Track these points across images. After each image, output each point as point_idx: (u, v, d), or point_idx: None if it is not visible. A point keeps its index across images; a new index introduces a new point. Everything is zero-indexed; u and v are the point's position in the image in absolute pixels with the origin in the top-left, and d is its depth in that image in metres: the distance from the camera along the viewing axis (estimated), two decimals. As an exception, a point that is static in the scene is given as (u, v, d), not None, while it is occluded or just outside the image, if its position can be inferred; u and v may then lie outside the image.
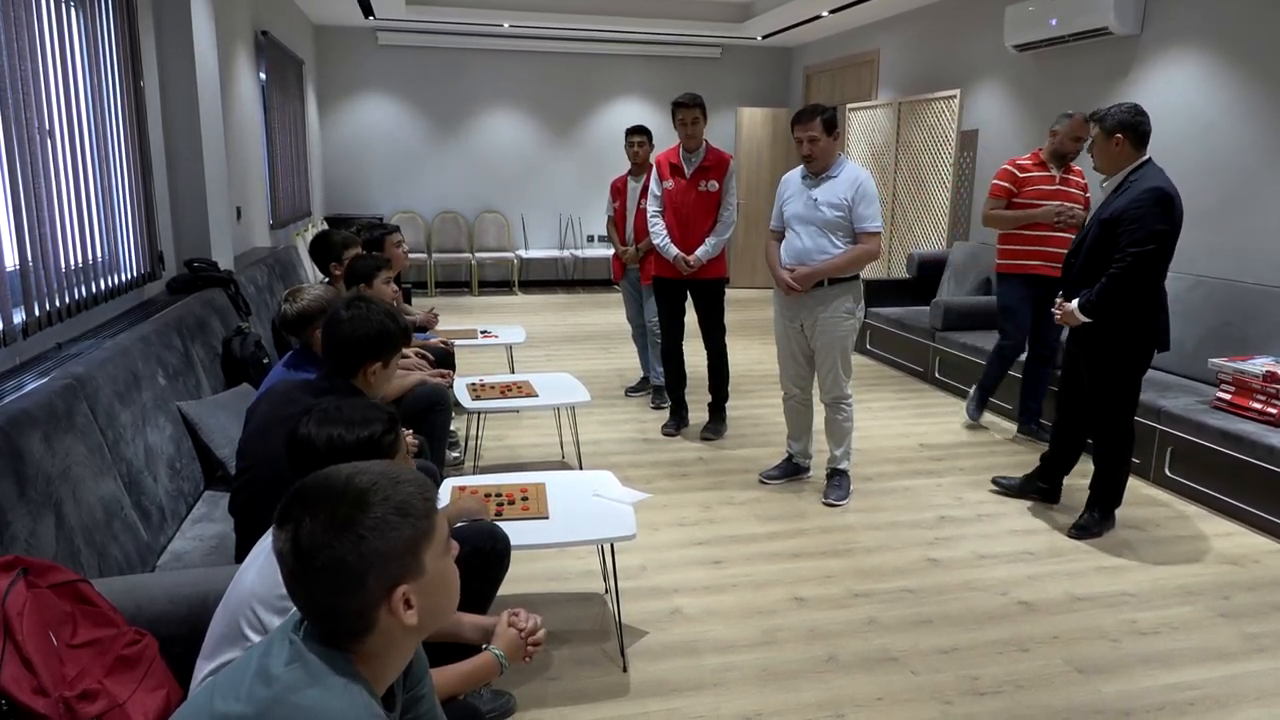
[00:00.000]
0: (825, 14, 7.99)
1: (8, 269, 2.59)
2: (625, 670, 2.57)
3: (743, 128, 9.89)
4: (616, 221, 5.46)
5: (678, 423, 4.86)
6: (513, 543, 2.26)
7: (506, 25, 8.99)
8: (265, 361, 3.66)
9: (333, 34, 9.23)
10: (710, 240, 4.47)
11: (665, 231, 4.54)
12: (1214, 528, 3.65)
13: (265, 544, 1.45)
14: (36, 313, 2.70)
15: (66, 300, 2.93)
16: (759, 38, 9.57)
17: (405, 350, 3.13)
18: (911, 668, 2.61)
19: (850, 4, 7.50)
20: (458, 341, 4.72)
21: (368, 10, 8.08)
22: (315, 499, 1.05)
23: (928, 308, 6.12)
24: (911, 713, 2.40)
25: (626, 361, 6.34)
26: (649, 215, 4.63)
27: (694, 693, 2.47)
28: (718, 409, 4.82)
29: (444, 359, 4.18)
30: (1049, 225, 4.42)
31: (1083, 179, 4.53)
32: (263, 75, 6.22)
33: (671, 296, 4.72)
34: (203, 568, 2.36)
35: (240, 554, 2.20)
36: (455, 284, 10.09)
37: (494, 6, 8.58)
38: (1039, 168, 4.51)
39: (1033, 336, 4.65)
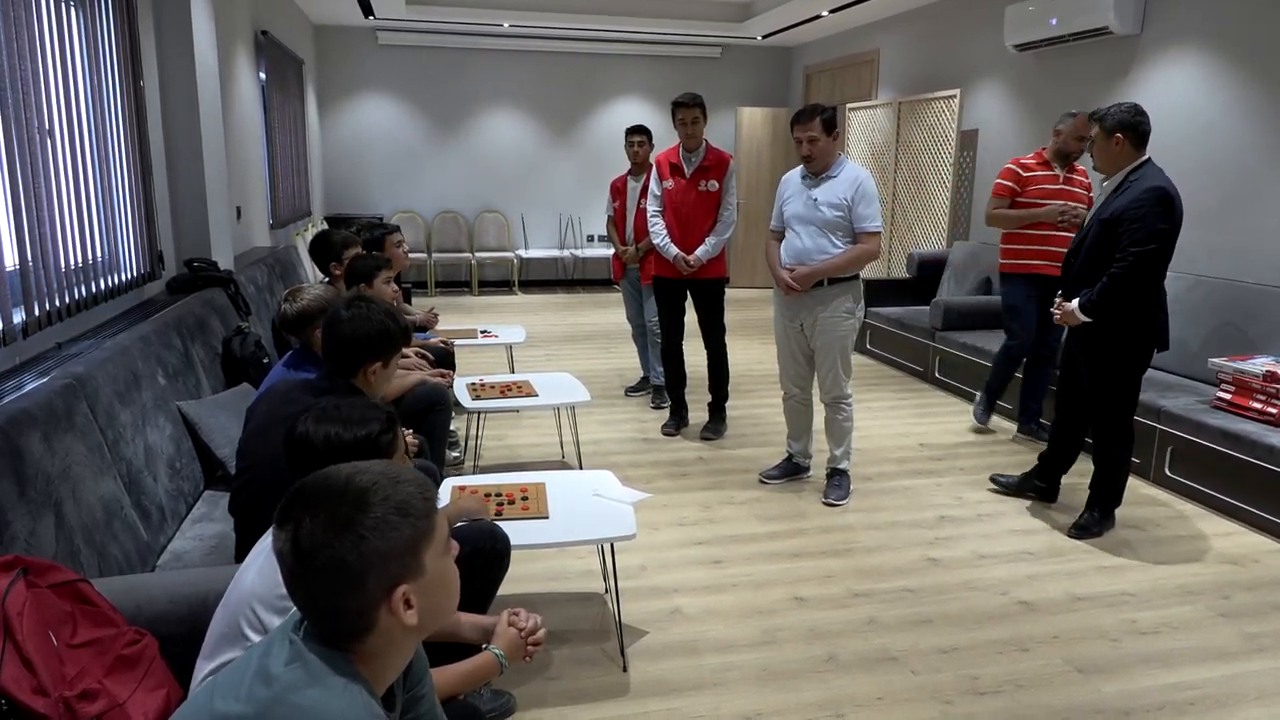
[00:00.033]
0: (825, 14, 7.99)
1: (8, 269, 2.59)
2: (625, 670, 2.57)
3: (743, 127, 9.90)
4: (616, 221, 5.46)
5: (678, 422, 4.86)
6: (513, 542, 2.26)
7: (506, 25, 8.99)
8: (265, 361, 3.66)
9: (333, 34, 9.23)
10: (710, 240, 4.47)
11: (665, 231, 4.54)
12: (1214, 527, 3.65)
13: (265, 544, 1.45)
14: (36, 312, 2.70)
15: (66, 300, 2.93)
16: (759, 37, 9.57)
17: (405, 350, 3.14)
18: (911, 667, 2.61)
19: (850, 4, 7.50)
20: (458, 341, 4.72)
21: (368, 10, 8.08)
22: (315, 499, 1.05)
23: (928, 307, 6.12)
24: (911, 712, 2.40)
25: (626, 361, 6.34)
26: (649, 215, 4.63)
27: (694, 692, 2.47)
28: (718, 409, 4.82)
29: (444, 359, 4.18)
30: (1053, 225, 4.41)
31: (1086, 178, 4.52)
32: (263, 75, 6.22)
33: (671, 296, 4.72)
34: (203, 568, 2.36)
35: (240, 554, 2.20)
36: (455, 284, 10.09)
37: (494, 6, 8.58)
38: (1043, 167, 4.51)
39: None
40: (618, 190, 5.43)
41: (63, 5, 3.03)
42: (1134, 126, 3.26)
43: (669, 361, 4.86)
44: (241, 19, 5.52)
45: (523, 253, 10.00)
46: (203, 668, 1.44)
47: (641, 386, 5.63)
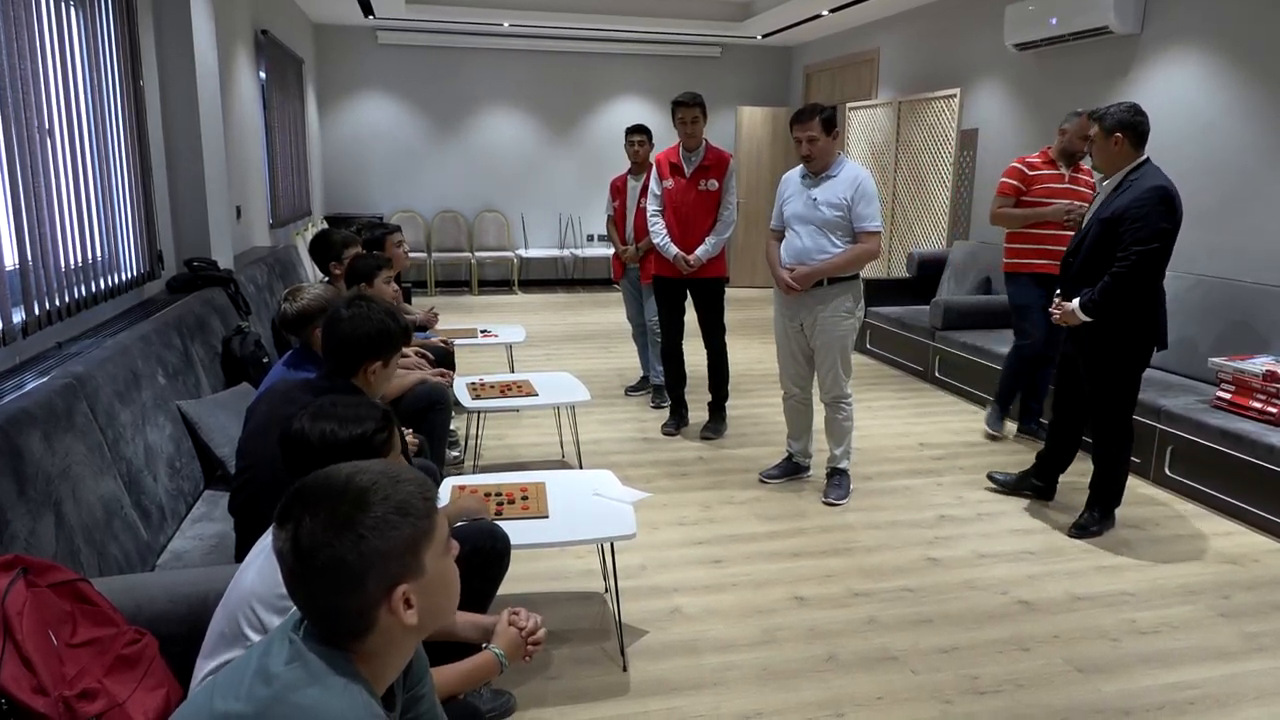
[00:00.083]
0: (825, 13, 7.99)
1: (8, 268, 2.59)
2: (625, 669, 2.58)
3: (742, 127, 9.89)
4: (616, 221, 5.46)
5: (678, 422, 4.86)
6: (513, 542, 2.26)
7: (506, 24, 8.99)
8: (265, 361, 3.65)
9: (332, 33, 9.23)
10: (710, 239, 4.47)
11: (665, 231, 4.54)
12: (1214, 527, 3.65)
13: (265, 543, 1.45)
14: (36, 312, 2.70)
15: (66, 299, 2.93)
16: (759, 37, 9.57)
17: (405, 349, 3.14)
18: (911, 667, 2.61)
19: (850, 3, 7.50)
20: (458, 341, 4.73)
21: (367, 9, 8.07)
22: (315, 498, 1.05)
23: (928, 307, 6.12)
24: (911, 712, 2.40)
25: (626, 361, 6.34)
26: (649, 214, 4.63)
27: (694, 692, 2.47)
28: (718, 408, 4.82)
29: (444, 358, 4.18)
30: (1057, 224, 4.40)
31: (1091, 177, 4.51)
32: (263, 74, 6.22)
33: (671, 296, 4.72)
34: (203, 567, 2.36)
35: (240, 553, 2.20)
36: (455, 283, 10.09)
37: (494, 6, 8.58)
38: (1048, 166, 4.51)
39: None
40: (618, 190, 5.43)
41: (63, 5, 3.03)
42: (1133, 126, 3.26)
43: (669, 361, 4.86)
44: (241, 18, 5.52)
45: (523, 252, 10.00)
46: (203, 667, 1.44)
47: (641, 386, 5.63)
